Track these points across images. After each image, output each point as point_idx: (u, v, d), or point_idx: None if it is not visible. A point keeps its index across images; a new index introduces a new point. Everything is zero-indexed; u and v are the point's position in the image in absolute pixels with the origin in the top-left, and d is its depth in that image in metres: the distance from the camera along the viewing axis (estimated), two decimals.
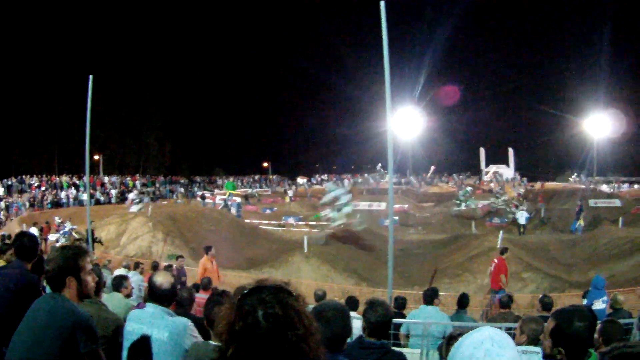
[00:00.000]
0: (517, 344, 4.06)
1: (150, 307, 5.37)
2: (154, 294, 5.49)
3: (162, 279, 5.52)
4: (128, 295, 9.09)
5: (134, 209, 41.36)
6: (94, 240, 29.15)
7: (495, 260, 21.55)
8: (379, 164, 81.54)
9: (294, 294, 2.47)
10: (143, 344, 5.18)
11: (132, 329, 5.29)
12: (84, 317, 4.56)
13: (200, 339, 5.29)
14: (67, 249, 5.01)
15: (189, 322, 5.29)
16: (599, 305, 13.96)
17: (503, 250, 22.42)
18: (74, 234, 30.09)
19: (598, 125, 72.55)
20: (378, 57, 13.31)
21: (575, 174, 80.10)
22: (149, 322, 5.21)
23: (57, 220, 36.00)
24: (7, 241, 16.35)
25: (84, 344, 4.44)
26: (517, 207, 48.92)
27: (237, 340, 2.31)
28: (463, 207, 55.21)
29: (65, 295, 4.72)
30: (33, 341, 4.43)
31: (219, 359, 2.40)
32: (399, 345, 10.28)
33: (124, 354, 5.30)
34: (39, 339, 4.41)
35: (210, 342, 5.00)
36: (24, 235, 6.73)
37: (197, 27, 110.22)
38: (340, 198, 39.55)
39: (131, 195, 44.77)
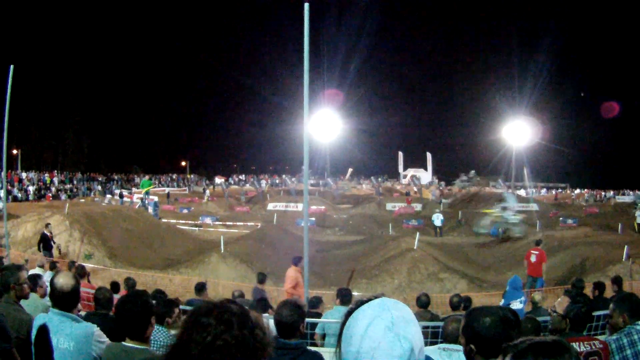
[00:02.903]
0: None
1: (54, 314, 5.14)
2: (55, 298, 5.26)
3: (63, 281, 5.26)
4: (43, 295, 8.89)
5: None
6: (50, 244, 27.99)
7: (536, 252, 23.31)
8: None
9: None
10: (47, 355, 5.03)
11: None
12: None
13: (107, 342, 5.07)
14: None
15: (94, 329, 5.08)
16: (517, 305, 14.21)
17: (539, 242, 25.00)
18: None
19: (516, 132, 73.61)
20: (297, 58, 13.38)
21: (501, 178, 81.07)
22: (55, 331, 4.98)
23: None
24: None
25: None
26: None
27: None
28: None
29: None
30: None
31: None
32: (314, 345, 10.29)
33: None
34: None
35: (123, 343, 4.76)
36: None
37: (117, 24, 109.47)
38: None
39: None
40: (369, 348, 2.25)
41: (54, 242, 28.54)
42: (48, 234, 28.16)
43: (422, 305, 12.39)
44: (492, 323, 3.68)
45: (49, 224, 29.83)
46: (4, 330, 4.56)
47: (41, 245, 27.60)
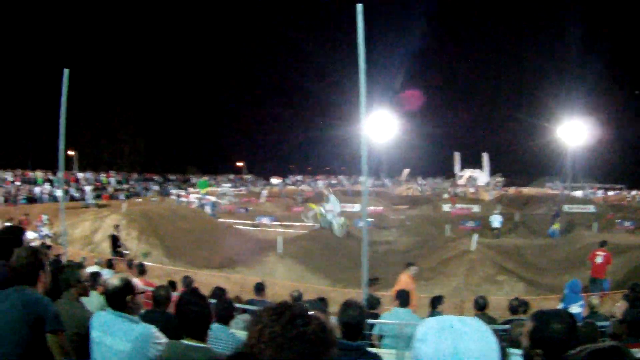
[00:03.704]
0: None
1: (110, 314, 5.23)
2: (106, 298, 5.38)
3: (110, 282, 5.38)
4: (102, 293, 8.99)
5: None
6: (118, 246, 28.19)
7: (602, 252, 23.48)
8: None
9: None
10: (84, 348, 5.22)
11: (95, 337, 5.19)
12: (48, 302, 4.99)
13: (165, 342, 5.11)
14: (34, 248, 5.23)
15: (152, 331, 5.14)
16: (575, 309, 13.97)
17: (604, 243, 25.10)
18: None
19: (572, 132, 72.57)
20: (354, 58, 13.27)
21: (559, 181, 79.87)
22: (110, 331, 5.09)
23: (44, 218, 35.64)
24: None
25: (49, 324, 4.80)
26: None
27: None
28: None
29: (34, 289, 5.05)
30: (5, 332, 4.73)
31: None
32: (371, 346, 10.23)
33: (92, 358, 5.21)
34: (11, 329, 4.74)
35: (182, 341, 4.85)
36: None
37: (172, 25, 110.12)
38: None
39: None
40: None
41: (122, 244, 28.70)
42: (117, 235, 28.56)
43: (480, 308, 12.31)
44: (562, 329, 3.67)
45: (118, 225, 30.34)
46: (56, 312, 4.98)
47: (111, 245, 27.92)
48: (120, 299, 5.25)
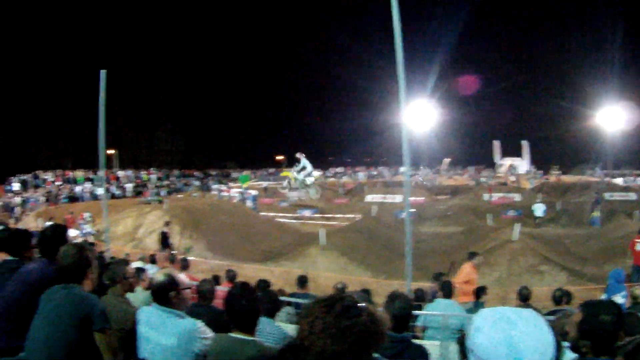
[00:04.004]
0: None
1: (156, 310, 5.29)
2: (153, 293, 5.42)
3: (160, 277, 5.38)
4: (147, 288, 9.07)
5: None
6: (168, 244, 28.23)
7: None
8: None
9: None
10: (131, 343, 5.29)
11: (141, 333, 5.25)
12: (95, 300, 5.14)
13: (212, 336, 5.15)
14: (81, 245, 5.30)
15: (198, 325, 5.16)
16: (619, 299, 13.75)
17: None
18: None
19: (612, 118, 71.55)
20: (391, 48, 13.24)
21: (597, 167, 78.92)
22: (157, 326, 5.15)
23: (87, 216, 36.01)
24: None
25: (97, 322, 4.96)
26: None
27: None
28: None
29: (82, 286, 5.23)
30: (53, 330, 4.85)
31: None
32: (415, 337, 10.21)
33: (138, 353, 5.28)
34: (59, 327, 4.85)
35: (231, 334, 4.92)
36: (47, 230, 6.82)
37: (208, 20, 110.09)
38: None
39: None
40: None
41: (171, 242, 28.79)
42: (167, 231, 28.64)
43: (523, 298, 12.25)
44: (611, 320, 3.67)
45: (169, 222, 30.50)
46: (103, 311, 5.16)
47: (161, 242, 28.11)
48: (166, 294, 5.29)
